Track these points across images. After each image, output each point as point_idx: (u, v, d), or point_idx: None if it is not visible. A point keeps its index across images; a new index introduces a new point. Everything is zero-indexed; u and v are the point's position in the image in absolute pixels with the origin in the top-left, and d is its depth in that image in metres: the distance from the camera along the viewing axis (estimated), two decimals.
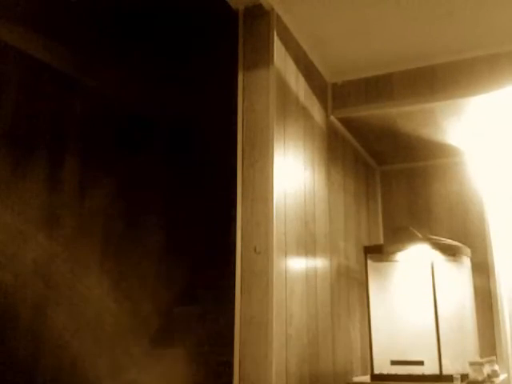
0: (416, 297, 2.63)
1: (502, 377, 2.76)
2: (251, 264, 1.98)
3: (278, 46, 2.21)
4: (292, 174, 2.24)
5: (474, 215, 3.23)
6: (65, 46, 1.49)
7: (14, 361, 1.26)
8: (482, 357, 2.79)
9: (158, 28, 1.80)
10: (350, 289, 2.84)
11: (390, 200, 3.48)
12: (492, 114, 2.78)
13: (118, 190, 1.59)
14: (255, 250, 1.98)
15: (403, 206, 3.43)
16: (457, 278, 2.75)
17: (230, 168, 2.05)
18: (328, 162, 2.69)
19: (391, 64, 2.70)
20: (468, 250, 2.88)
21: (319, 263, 2.46)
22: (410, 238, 2.75)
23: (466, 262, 2.88)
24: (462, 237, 2.98)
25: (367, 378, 2.65)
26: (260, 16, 2.21)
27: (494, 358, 2.78)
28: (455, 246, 2.79)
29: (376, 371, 2.59)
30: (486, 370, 2.51)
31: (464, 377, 2.43)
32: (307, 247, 2.33)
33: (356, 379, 2.69)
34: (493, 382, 2.53)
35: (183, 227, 1.64)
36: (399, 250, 2.74)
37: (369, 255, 2.78)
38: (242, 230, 2.02)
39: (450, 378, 2.39)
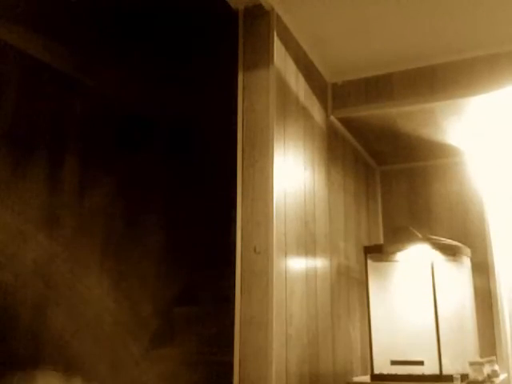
0: (416, 297, 2.63)
1: (502, 377, 2.76)
2: (251, 264, 1.98)
3: (277, 45, 2.20)
4: (292, 174, 2.24)
5: (474, 215, 3.23)
6: (65, 45, 1.49)
7: (13, 361, 1.26)
8: (481, 357, 2.79)
9: (158, 28, 1.80)
10: (350, 289, 2.84)
11: (390, 200, 3.48)
12: (492, 114, 2.78)
13: (118, 189, 1.59)
14: (255, 250, 1.98)
15: (403, 206, 3.43)
16: (457, 278, 2.75)
17: (230, 168, 2.05)
18: (328, 162, 2.69)
19: (391, 64, 2.70)
20: (468, 250, 2.88)
21: (319, 263, 2.46)
22: (410, 238, 2.75)
23: (466, 262, 2.88)
24: (462, 237, 2.98)
25: (367, 378, 2.65)
26: (260, 16, 2.21)
27: (493, 357, 2.78)
28: (455, 245, 2.79)
29: (376, 371, 2.59)
30: (486, 369, 2.51)
31: (464, 377, 2.43)
32: (307, 247, 2.33)
33: (356, 379, 2.69)
34: (493, 382, 2.53)
35: (183, 227, 1.64)
36: (399, 250, 2.74)
37: (369, 255, 2.78)
38: (242, 229, 2.02)
39: (450, 377, 2.39)
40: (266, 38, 2.19)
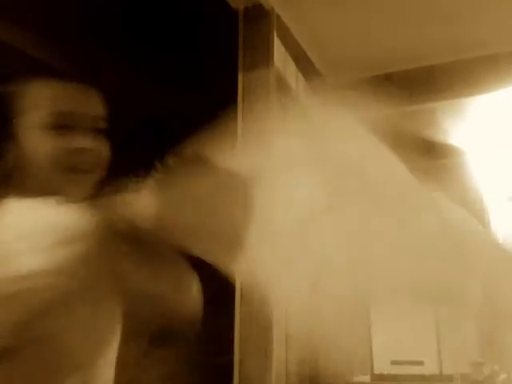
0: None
1: (502, 377, 2.75)
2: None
3: (278, 45, 2.20)
4: None
5: (474, 215, 3.21)
6: (64, 45, 1.49)
7: None
8: (481, 357, 2.78)
9: (158, 28, 1.80)
10: None
11: None
12: (492, 114, 2.78)
13: None
14: None
15: None
16: None
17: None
18: None
19: (391, 64, 2.70)
20: None
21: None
22: None
23: None
24: None
25: (367, 378, 2.64)
26: (260, 16, 2.20)
27: (493, 358, 2.78)
28: None
29: (376, 371, 2.59)
30: (486, 369, 2.51)
31: (464, 377, 2.43)
32: None
33: (356, 379, 2.69)
34: (493, 381, 2.53)
35: None
36: None
37: None
38: None
39: (449, 378, 2.39)
40: (266, 37, 2.19)
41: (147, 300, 0.83)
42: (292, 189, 0.99)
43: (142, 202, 0.74)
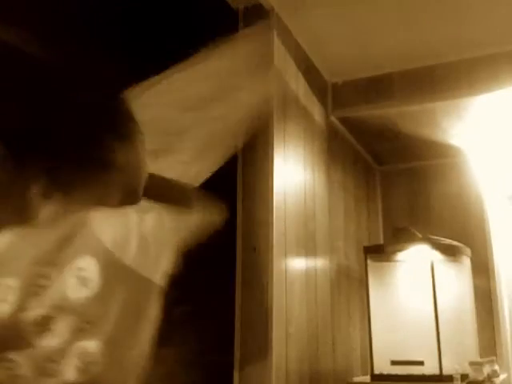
0: (416, 297, 2.63)
1: (502, 377, 2.76)
2: (251, 264, 1.98)
3: (277, 45, 2.20)
4: (292, 174, 2.24)
5: (474, 215, 3.22)
6: (63, 45, 1.49)
7: None
8: (481, 357, 2.79)
9: (157, 28, 1.80)
10: (350, 289, 2.84)
11: (390, 200, 3.48)
12: (492, 114, 2.78)
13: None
14: (255, 249, 1.98)
15: (403, 206, 3.43)
16: (457, 278, 2.75)
17: (231, 167, 2.05)
18: (328, 162, 2.69)
19: (391, 64, 2.70)
20: (468, 250, 2.88)
21: (319, 263, 2.46)
22: (410, 238, 2.75)
23: (466, 261, 2.87)
24: (462, 237, 2.97)
25: (367, 378, 2.64)
26: (260, 16, 2.20)
27: (494, 357, 2.78)
28: (455, 245, 2.79)
29: (376, 371, 2.59)
30: (486, 369, 2.51)
31: (464, 377, 2.43)
32: (307, 247, 2.32)
33: (356, 379, 2.69)
34: (493, 381, 2.53)
35: None
36: (399, 250, 2.74)
37: (369, 255, 2.78)
38: (242, 229, 2.02)
39: (450, 378, 2.39)
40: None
41: None
42: None
43: None
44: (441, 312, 2.52)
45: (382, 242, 3.37)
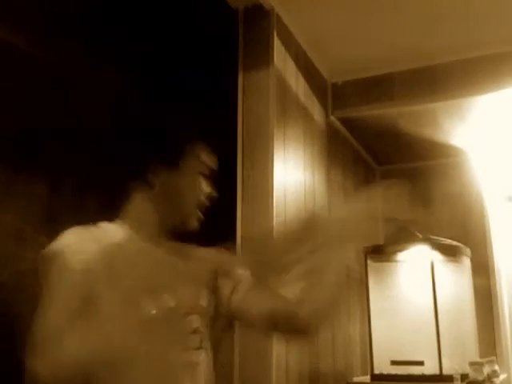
0: (416, 297, 2.63)
1: (502, 377, 2.76)
2: None
3: (277, 45, 2.20)
4: (292, 174, 2.24)
5: (474, 215, 3.22)
6: (63, 44, 1.49)
7: (12, 362, 1.26)
8: (481, 357, 2.79)
9: (157, 28, 1.80)
10: (350, 289, 2.84)
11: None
12: (493, 114, 2.78)
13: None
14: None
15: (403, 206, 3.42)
16: (457, 278, 2.75)
17: (231, 168, 2.05)
18: (328, 162, 2.69)
19: (392, 64, 2.69)
20: (468, 250, 2.88)
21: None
22: (410, 239, 2.75)
23: (466, 261, 2.87)
24: (462, 237, 2.97)
25: (367, 378, 2.64)
26: (260, 16, 2.20)
27: (493, 358, 2.78)
28: (455, 246, 2.79)
29: (376, 371, 2.59)
30: (486, 370, 2.51)
31: (464, 377, 2.43)
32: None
33: (356, 379, 2.69)
34: (493, 382, 2.53)
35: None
36: (399, 251, 2.74)
37: (368, 255, 2.78)
38: (242, 229, 2.02)
39: (449, 378, 2.39)
40: (265, 37, 2.19)
41: None
42: None
43: None
44: (441, 312, 2.52)
45: (381, 242, 3.36)
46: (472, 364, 2.50)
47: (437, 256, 2.63)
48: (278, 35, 2.20)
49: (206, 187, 1.23)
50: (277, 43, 2.19)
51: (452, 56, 2.60)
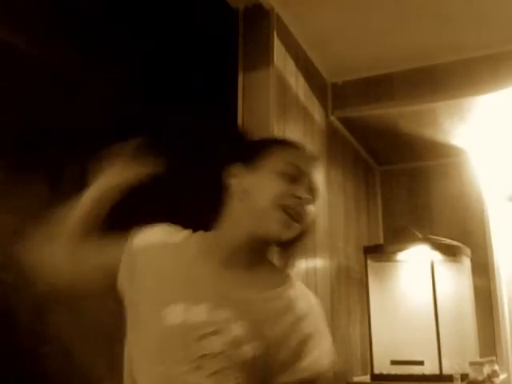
0: (416, 297, 2.63)
1: (502, 377, 2.76)
2: None
3: (277, 45, 2.20)
4: None
5: (474, 215, 3.22)
6: (63, 44, 1.49)
7: (13, 362, 1.26)
8: (481, 357, 2.79)
9: (157, 27, 1.80)
10: (350, 289, 2.84)
11: (390, 200, 3.48)
12: (493, 114, 2.78)
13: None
14: None
15: (403, 206, 3.43)
16: (457, 278, 2.75)
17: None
18: (328, 162, 2.69)
19: (392, 64, 2.69)
20: (468, 250, 2.88)
21: (319, 263, 2.46)
22: (410, 238, 2.75)
23: (466, 261, 2.88)
24: (462, 237, 2.98)
25: (367, 378, 2.65)
26: (260, 16, 2.20)
27: (493, 357, 2.78)
28: (455, 245, 2.79)
29: (376, 371, 2.59)
30: (486, 369, 2.51)
31: (464, 377, 2.43)
32: (307, 247, 2.32)
33: (356, 379, 2.69)
34: (493, 381, 2.53)
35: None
36: (399, 250, 2.74)
37: (369, 255, 2.78)
38: None
39: (449, 377, 2.39)
40: (265, 37, 2.19)
41: None
42: None
43: None
44: (441, 312, 2.52)
45: (381, 241, 3.37)
46: (472, 364, 2.50)
47: (437, 256, 2.64)
48: (278, 35, 2.21)
49: (289, 190, 1.04)
50: (277, 43, 2.20)
51: (452, 56, 2.60)
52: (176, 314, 0.99)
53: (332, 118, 2.79)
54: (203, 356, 0.95)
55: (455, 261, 2.77)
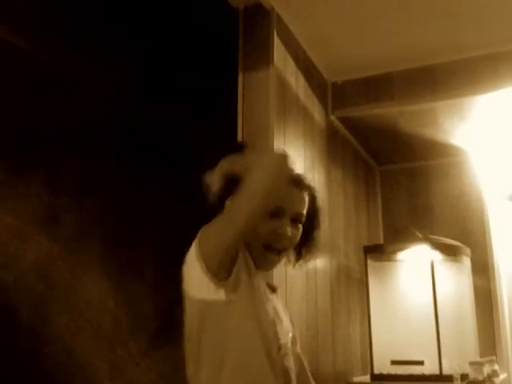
0: (416, 297, 2.63)
1: (502, 376, 2.76)
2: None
3: (277, 45, 2.20)
4: None
5: (474, 215, 3.22)
6: (63, 44, 1.48)
7: (13, 362, 1.26)
8: (481, 357, 2.79)
9: (157, 27, 1.80)
10: (350, 289, 2.84)
11: (390, 200, 3.48)
12: (493, 113, 2.78)
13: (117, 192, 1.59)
14: None
15: (403, 206, 3.43)
16: (457, 278, 2.75)
17: None
18: (328, 162, 2.69)
19: (392, 63, 2.69)
20: (468, 250, 2.88)
21: (319, 263, 2.46)
22: (410, 238, 2.75)
23: (466, 261, 2.88)
24: (462, 236, 2.98)
25: (367, 378, 2.65)
26: (260, 15, 2.20)
27: (493, 357, 2.78)
28: (455, 245, 2.79)
29: (376, 371, 2.59)
30: (486, 369, 2.51)
31: (464, 377, 2.43)
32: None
33: (356, 379, 2.69)
34: (493, 381, 2.53)
35: (182, 227, 1.64)
36: (399, 250, 2.74)
37: (369, 255, 2.78)
38: None
39: (449, 377, 2.39)
40: (265, 37, 2.19)
41: None
42: None
43: None
44: (441, 312, 2.52)
45: (382, 241, 3.37)
46: (472, 364, 2.50)
47: (437, 256, 2.64)
48: (277, 35, 2.20)
49: (271, 227, 1.21)
50: (277, 43, 2.19)
51: (452, 55, 2.60)
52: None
53: (332, 117, 2.79)
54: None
55: (455, 261, 2.77)
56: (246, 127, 2.11)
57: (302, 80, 2.46)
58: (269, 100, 2.10)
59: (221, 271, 1.08)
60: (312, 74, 2.60)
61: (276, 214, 1.21)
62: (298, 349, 1.35)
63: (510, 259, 3.23)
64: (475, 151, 3.26)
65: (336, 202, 2.77)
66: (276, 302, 1.29)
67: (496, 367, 2.64)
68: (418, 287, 2.63)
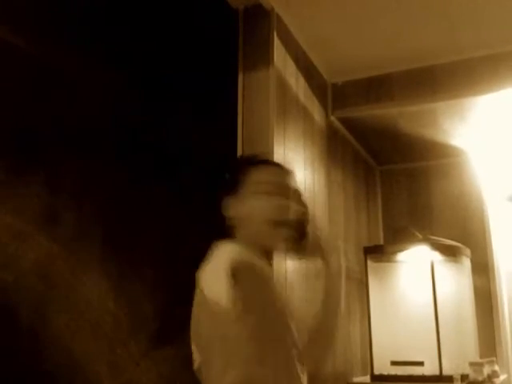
0: (416, 297, 2.63)
1: (502, 377, 2.76)
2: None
3: (277, 45, 2.20)
4: None
5: (474, 215, 3.22)
6: (63, 45, 1.49)
7: (13, 362, 1.26)
8: (481, 357, 2.79)
9: (157, 27, 1.80)
10: (350, 289, 2.84)
11: (390, 200, 3.48)
12: (493, 114, 2.78)
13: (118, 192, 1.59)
14: None
15: (403, 206, 3.43)
16: (457, 279, 2.75)
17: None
18: (328, 162, 2.69)
19: (391, 64, 2.69)
20: (468, 250, 2.88)
21: (319, 263, 2.45)
22: (410, 239, 2.75)
23: (466, 262, 2.87)
24: (462, 237, 2.97)
25: (367, 379, 2.64)
26: (260, 16, 2.20)
27: (493, 358, 2.78)
28: (455, 246, 2.79)
29: (376, 372, 2.59)
30: (486, 370, 2.51)
31: (464, 377, 2.43)
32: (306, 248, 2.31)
33: (356, 379, 2.69)
34: (493, 382, 2.53)
35: (182, 228, 1.64)
36: (399, 251, 2.74)
37: (369, 256, 2.78)
38: None
39: (450, 378, 2.39)
40: (266, 37, 2.19)
41: None
42: None
43: None
44: (441, 312, 2.52)
45: (381, 242, 3.37)
46: (472, 364, 2.50)
47: (437, 256, 2.64)
48: (277, 35, 2.20)
49: (276, 203, 1.22)
50: (277, 43, 2.19)
51: (452, 56, 2.60)
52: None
53: (332, 118, 2.79)
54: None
55: (455, 261, 2.76)
56: (246, 127, 2.11)
57: (302, 81, 2.46)
58: (269, 100, 2.10)
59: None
60: (312, 75, 2.60)
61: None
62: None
63: (510, 259, 3.23)
64: (475, 152, 3.26)
65: (336, 202, 2.77)
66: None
67: (496, 368, 2.64)
68: (417, 288, 2.63)
